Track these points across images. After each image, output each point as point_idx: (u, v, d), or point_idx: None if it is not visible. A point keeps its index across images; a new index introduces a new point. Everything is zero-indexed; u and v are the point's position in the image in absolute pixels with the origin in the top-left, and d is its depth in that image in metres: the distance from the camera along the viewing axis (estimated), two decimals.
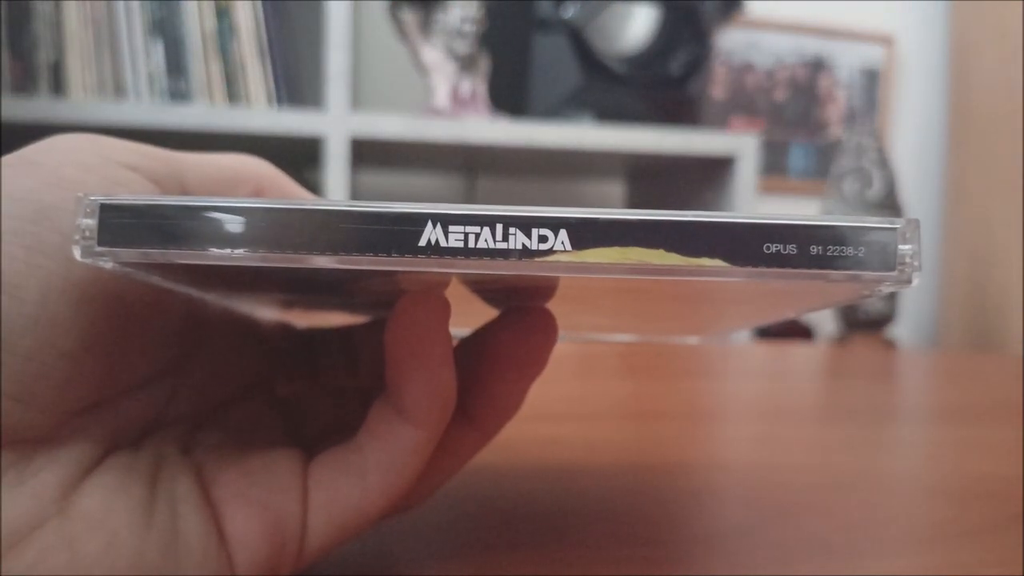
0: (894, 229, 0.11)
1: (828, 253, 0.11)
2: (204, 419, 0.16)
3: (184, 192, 0.15)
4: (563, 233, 0.11)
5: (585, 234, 0.11)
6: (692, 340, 0.21)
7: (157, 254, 0.11)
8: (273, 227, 0.11)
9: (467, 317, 0.21)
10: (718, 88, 1.63)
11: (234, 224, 0.11)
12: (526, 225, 0.11)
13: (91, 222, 0.11)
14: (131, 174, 0.14)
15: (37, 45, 0.94)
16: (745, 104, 1.65)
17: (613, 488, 0.25)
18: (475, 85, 1.07)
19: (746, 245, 0.11)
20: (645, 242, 0.11)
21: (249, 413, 0.17)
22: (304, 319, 0.23)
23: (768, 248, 0.11)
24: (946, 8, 1.77)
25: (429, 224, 0.11)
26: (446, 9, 1.03)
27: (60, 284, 0.12)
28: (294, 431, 0.18)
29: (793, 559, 0.19)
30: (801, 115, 1.68)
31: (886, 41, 1.72)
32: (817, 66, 1.68)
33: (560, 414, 0.36)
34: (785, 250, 0.11)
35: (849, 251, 0.11)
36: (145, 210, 0.11)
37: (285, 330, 0.21)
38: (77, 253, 0.11)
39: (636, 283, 0.13)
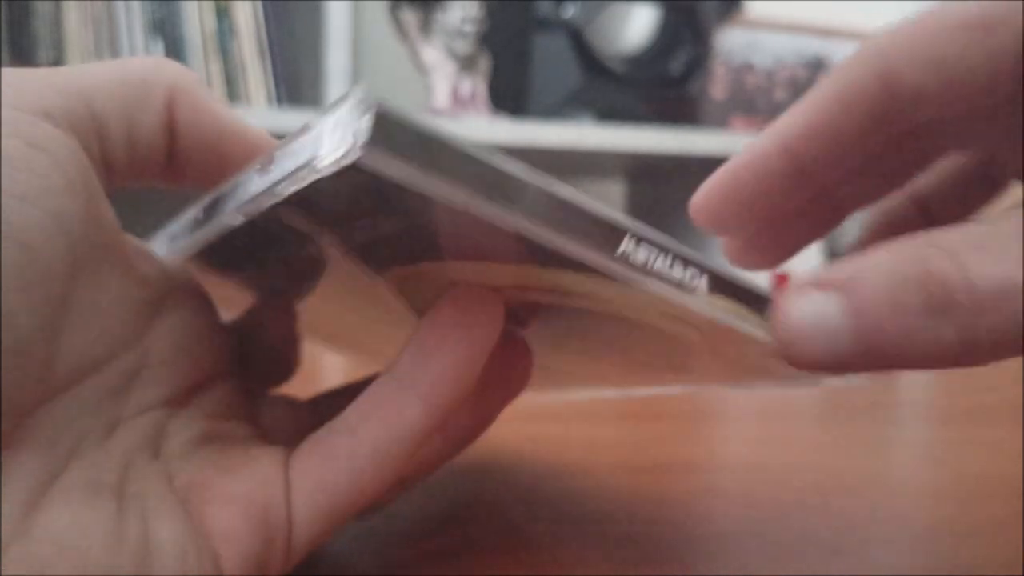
0: None
1: None
2: (172, 413, 0.16)
3: (99, 123, 0.15)
4: (705, 277, 0.13)
5: (721, 284, 0.14)
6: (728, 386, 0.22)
7: (419, 177, 0.11)
8: (515, 193, 0.12)
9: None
10: (718, 88, 1.63)
11: (482, 177, 0.11)
12: (685, 261, 0.13)
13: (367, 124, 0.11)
14: (50, 129, 0.13)
15: (37, 45, 0.94)
16: (745, 104, 1.65)
17: (613, 488, 0.25)
18: (475, 85, 1.07)
19: None
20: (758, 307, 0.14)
21: (220, 404, 0.17)
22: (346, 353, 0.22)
23: None
24: None
25: (627, 237, 0.13)
26: (446, 9, 1.03)
27: None
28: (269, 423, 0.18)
29: (793, 559, 0.19)
30: None
31: None
32: (817, 66, 1.68)
33: (560, 414, 0.36)
34: None
35: None
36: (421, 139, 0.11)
37: (286, 401, 0.20)
38: (350, 156, 0.11)
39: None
